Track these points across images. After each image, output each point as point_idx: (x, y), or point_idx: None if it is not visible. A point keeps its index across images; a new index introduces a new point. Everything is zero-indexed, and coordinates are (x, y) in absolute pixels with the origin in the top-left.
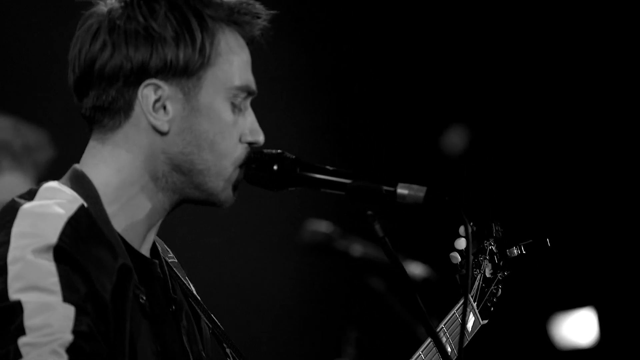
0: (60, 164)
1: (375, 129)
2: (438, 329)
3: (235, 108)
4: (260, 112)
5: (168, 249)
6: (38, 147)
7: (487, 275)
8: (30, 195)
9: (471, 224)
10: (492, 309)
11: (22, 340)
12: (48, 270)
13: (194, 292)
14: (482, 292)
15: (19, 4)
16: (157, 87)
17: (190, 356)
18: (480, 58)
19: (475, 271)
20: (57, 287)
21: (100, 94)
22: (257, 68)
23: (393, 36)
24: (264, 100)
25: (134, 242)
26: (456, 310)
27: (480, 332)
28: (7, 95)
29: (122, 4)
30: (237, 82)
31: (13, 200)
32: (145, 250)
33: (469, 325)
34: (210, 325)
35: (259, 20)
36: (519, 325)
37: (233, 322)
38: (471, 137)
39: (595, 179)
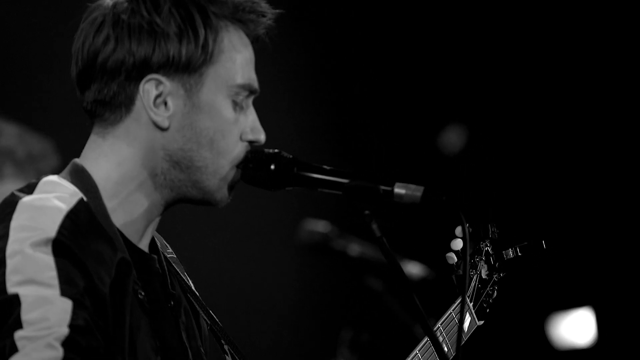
0: None
1: (374, 129)
2: (434, 329)
3: (237, 106)
4: (259, 111)
5: (167, 245)
6: (42, 156)
7: (483, 276)
8: (29, 189)
9: (467, 225)
10: (488, 310)
11: (18, 334)
12: (46, 263)
13: (193, 288)
14: (478, 293)
15: (27, 12)
16: (159, 83)
17: (189, 352)
18: (479, 58)
19: (471, 272)
20: (55, 281)
21: (102, 87)
22: (257, 67)
23: (392, 36)
24: (263, 99)
25: (132, 237)
26: (452, 310)
27: (479, 331)
28: (14, 103)
29: None
30: (240, 80)
31: (12, 194)
32: (144, 246)
33: (465, 325)
34: (209, 322)
35: (264, 19)
36: (517, 325)
37: (231, 321)
38: (469, 137)
39: (593, 179)
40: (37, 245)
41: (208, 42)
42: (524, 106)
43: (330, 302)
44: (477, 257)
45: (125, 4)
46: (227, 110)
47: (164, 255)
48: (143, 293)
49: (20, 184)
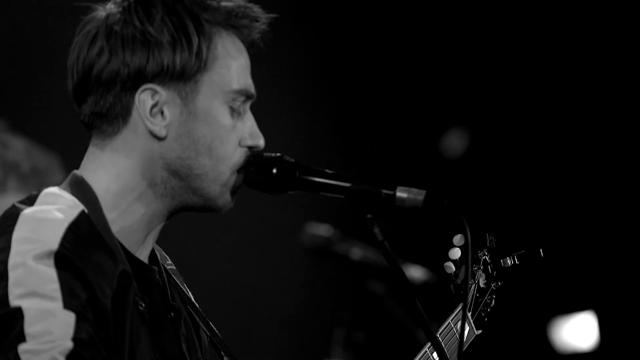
0: None
1: (375, 132)
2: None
3: (234, 112)
4: (260, 114)
5: (166, 256)
6: (47, 171)
7: (481, 285)
8: (30, 201)
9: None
10: (486, 319)
11: (22, 347)
12: (49, 276)
13: (193, 299)
14: (476, 302)
15: (35, 27)
16: (154, 92)
17: None
18: (481, 63)
19: (469, 281)
20: (58, 294)
21: (98, 99)
22: (257, 71)
23: (394, 40)
24: (264, 101)
25: (132, 248)
26: (451, 320)
27: (482, 336)
28: (23, 117)
29: (120, 9)
30: (235, 85)
31: (13, 206)
32: (144, 257)
33: (464, 334)
34: (209, 333)
35: (258, 24)
36: (519, 330)
37: (233, 325)
38: (471, 140)
39: (595, 184)
40: (39, 257)
41: (202, 49)
42: (524, 110)
43: (334, 307)
44: (475, 266)
45: (118, 15)
46: (224, 117)
47: (163, 266)
48: (143, 305)
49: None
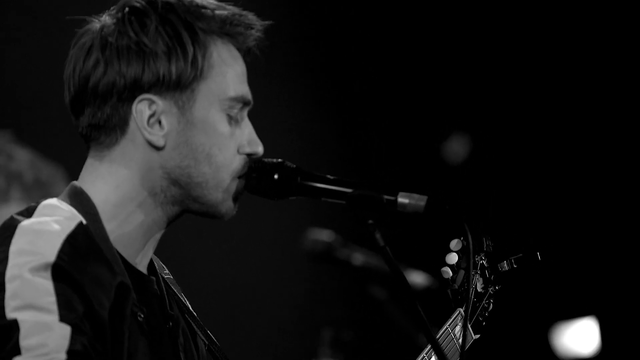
0: None
1: (377, 137)
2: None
3: (232, 119)
4: (260, 117)
5: (164, 266)
6: (50, 182)
7: (479, 289)
8: (28, 212)
9: (461, 238)
10: (484, 323)
11: None
12: (45, 289)
13: (190, 308)
14: (474, 306)
15: (41, 38)
16: (151, 102)
17: None
18: (484, 68)
19: (471, 286)
20: (54, 307)
21: (95, 111)
22: (257, 75)
23: (396, 46)
24: (264, 106)
25: (131, 257)
26: (449, 325)
27: (483, 342)
28: (28, 129)
29: (114, 20)
30: (232, 93)
31: (12, 217)
32: (142, 267)
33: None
34: (207, 342)
35: (253, 31)
36: (521, 335)
37: (233, 334)
38: (472, 146)
39: (595, 189)
40: (36, 270)
41: (197, 58)
42: (524, 117)
43: (336, 314)
44: (472, 271)
45: (113, 27)
46: (222, 125)
47: (161, 276)
48: (142, 315)
49: None
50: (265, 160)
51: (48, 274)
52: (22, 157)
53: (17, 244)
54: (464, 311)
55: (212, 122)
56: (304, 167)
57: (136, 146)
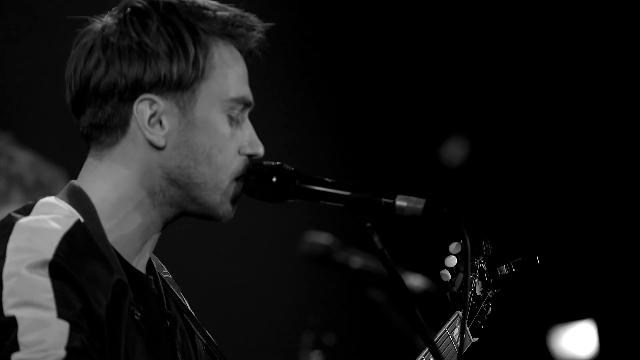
0: None
1: (375, 140)
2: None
3: (233, 120)
4: (260, 120)
5: (162, 265)
6: (51, 185)
7: (478, 293)
8: (26, 210)
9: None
10: (482, 326)
11: (15, 357)
12: (43, 286)
13: (189, 307)
14: (472, 309)
15: (43, 41)
16: (152, 102)
17: None
18: (482, 71)
19: (469, 289)
20: (52, 303)
21: (96, 111)
22: (257, 76)
23: (396, 49)
24: (264, 108)
25: (129, 257)
26: (447, 328)
27: (481, 344)
28: (28, 131)
29: (116, 20)
30: (233, 94)
31: (9, 215)
32: (141, 266)
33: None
34: (205, 341)
35: (254, 33)
36: (519, 338)
37: (231, 335)
38: (471, 149)
39: (593, 192)
40: (33, 267)
41: (198, 58)
42: (523, 119)
43: (333, 316)
44: (471, 274)
45: (114, 27)
46: (223, 125)
47: (160, 275)
48: (139, 314)
49: None
50: (264, 163)
51: (45, 271)
52: (23, 159)
53: (15, 242)
54: (462, 314)
55: (213, 123)
56: (303, 169)
57: (137, 146)
